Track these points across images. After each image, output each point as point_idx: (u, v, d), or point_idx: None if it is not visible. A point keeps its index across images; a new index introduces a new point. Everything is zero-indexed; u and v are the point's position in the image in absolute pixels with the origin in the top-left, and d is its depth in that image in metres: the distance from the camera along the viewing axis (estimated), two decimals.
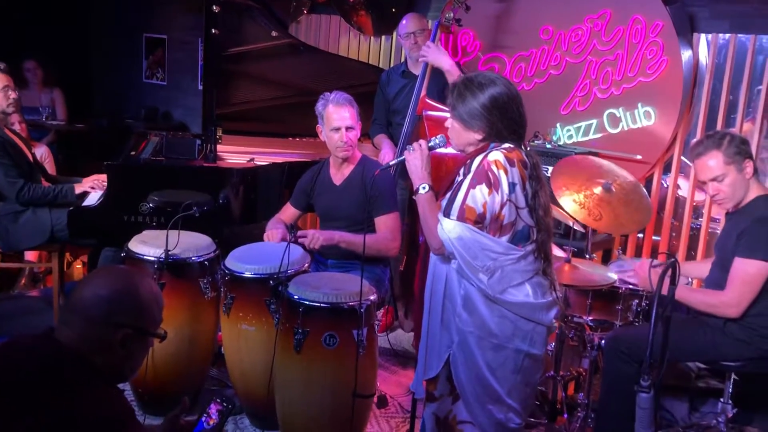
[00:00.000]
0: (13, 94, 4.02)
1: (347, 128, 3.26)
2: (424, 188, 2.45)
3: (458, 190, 2.39)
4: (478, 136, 2.43)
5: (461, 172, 2.46)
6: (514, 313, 2.39)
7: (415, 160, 2.49)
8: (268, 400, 2.93)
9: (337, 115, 3.25)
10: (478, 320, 2.39)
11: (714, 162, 2.86)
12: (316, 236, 3.17)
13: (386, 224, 3.27)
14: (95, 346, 1.63)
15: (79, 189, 3.97)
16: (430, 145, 2.54)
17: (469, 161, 2.44)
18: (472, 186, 2.33)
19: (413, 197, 2.52)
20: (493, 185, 2.31)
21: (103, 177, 3.99)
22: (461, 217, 2.33)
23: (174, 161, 4.08)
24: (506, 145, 2.40)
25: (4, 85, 3.95)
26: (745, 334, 2.86)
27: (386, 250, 3.27)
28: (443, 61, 3.90)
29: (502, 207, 2.33)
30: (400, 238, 3.26)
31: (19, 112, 4.31)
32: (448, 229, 2.33)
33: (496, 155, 2.36)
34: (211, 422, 1.87)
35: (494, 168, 2.33)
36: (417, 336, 2.64)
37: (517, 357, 2.43)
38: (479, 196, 2.31)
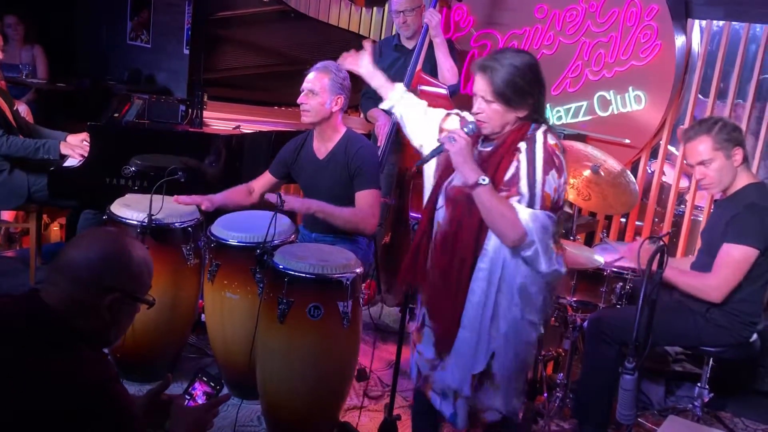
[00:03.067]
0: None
1: (308, 91, 3.19)
2: (484, 180, 2.25)
3: (518, 176, 2.28)
4: (521, 114, 2.33)
5: (500, 155, 2.34)
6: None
7: (462, 150, 2.29)
8: (249, 369, 2.90)
9: (307, 78, 3.22)
10: (532, 307, 2.39)
11: (703, 147, 2.87)
12: (292, 203, 3.07)
13: (366, 200, 3.21)
14: (82, 309, 1.59)
15: (64, 149, 3.82)
16: (465, 131, 2.36)
17: (510, 144, 2.33)
18: (545, 172, 2.27)
19: (471, 192, 2.28)
20: (559, 169, 2.28)
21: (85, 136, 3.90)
22: (542, 205, 2.25)
23: (158, 125, 4.00)
24: (544, 127, 2.35)
25: None
26: (727, 320, 2.89)
27: (363, 227, 3.19)
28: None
29: (564, 190, 2.33)
30: (378, 215, 3.22)
31: None
32: (530, 219, 2.23)
33: (551, 138, 2.32)
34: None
35: (557, 152, 2.30)
36: (437, 318, 2.49)
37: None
38: (552, 182, 2.26)
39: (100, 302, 1.59)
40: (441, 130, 2.51)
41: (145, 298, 1.70)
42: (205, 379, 1.85)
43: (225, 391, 3.05)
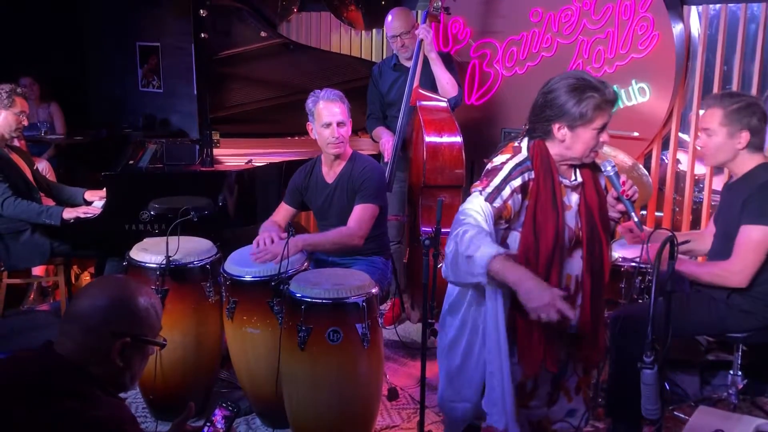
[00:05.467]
0: (24, 122, 4.03)
1: (338, 123, 3.24)
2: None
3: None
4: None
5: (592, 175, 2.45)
6: None
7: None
8: (278, 399, 2.94)
9: (328, 111, 3.24)
10: None
11: (712, 117, 2.88)
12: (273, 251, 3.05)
13: (357, 214, 3.24)
14: (94, 356, 1.64)
15: (67, 214, 3.86)
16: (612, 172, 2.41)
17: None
18: None
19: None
20: None
21: (93, 207, 3.99)
22: None
23: (171, 167, 4.09)
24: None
25: (20, 110, 3.97)
26: (749, 304, 2.85)
27: (351, 243, 3.20)
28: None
29: None
30: (368, 229, 3.24)
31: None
32: None
33: None
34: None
35: None
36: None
37: None
38: None
39: (110, 348, 1.64)
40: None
41: (155, 340, 1.75)
42: (225, 405, 1.92)
43: (256, 420, 3.12)
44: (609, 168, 2.38)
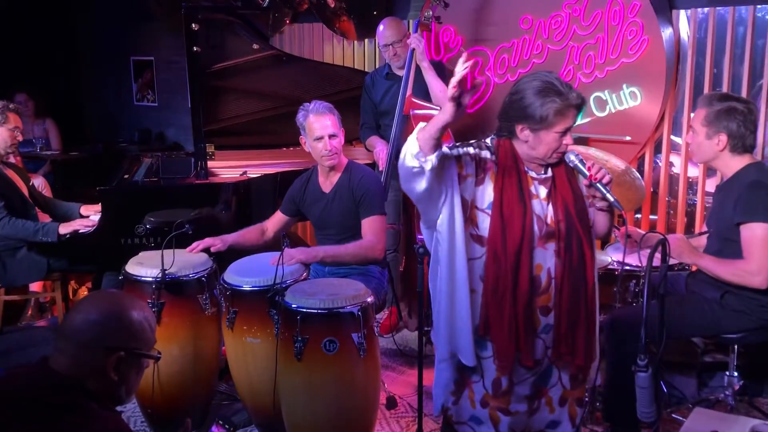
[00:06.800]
0: (19, 137, 4.05)
1: (330, 136, 3.27)
2: None
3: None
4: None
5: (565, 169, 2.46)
6: None
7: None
8: (276, 410, 2.94)
9: (319, 124, 3.26)
10: None
11: (697, 116, 2.94)
12: (294, 255, 3.10)
13: (370, 227, 3.28)
14: (89, 371, 1.65)
15: (63, 230, 3.84)
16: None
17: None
18: None
19: None
20: None
21: (88, 221, 4.00)
22: None
23: (166, 181, 4.11)
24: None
25: (14, 126, 3.98)
26: (743, 304, 2.86)
27: (371, 255, 3.25)
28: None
29: None
30: (384, 240, 3.27)
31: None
32: None
33: None
34: None
35: None
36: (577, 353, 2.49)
37: None
38: None
39: (105, 363, 1.66)
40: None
41: (150, 353, 1.76)
42: (221, 422, 1.92)
43: (252, 426, 3.10)
44: (572, 157, 2.40)
